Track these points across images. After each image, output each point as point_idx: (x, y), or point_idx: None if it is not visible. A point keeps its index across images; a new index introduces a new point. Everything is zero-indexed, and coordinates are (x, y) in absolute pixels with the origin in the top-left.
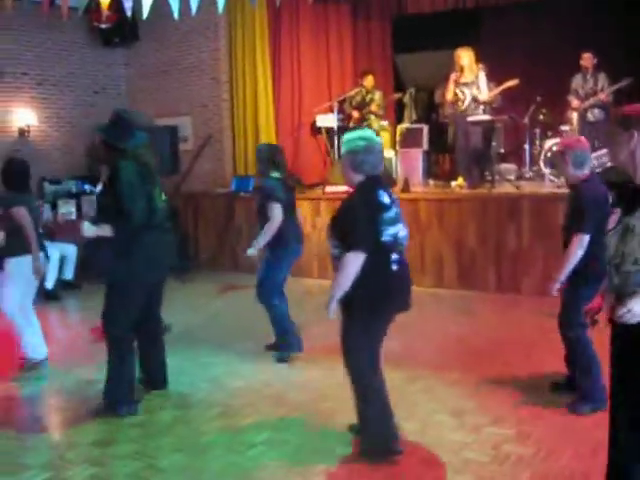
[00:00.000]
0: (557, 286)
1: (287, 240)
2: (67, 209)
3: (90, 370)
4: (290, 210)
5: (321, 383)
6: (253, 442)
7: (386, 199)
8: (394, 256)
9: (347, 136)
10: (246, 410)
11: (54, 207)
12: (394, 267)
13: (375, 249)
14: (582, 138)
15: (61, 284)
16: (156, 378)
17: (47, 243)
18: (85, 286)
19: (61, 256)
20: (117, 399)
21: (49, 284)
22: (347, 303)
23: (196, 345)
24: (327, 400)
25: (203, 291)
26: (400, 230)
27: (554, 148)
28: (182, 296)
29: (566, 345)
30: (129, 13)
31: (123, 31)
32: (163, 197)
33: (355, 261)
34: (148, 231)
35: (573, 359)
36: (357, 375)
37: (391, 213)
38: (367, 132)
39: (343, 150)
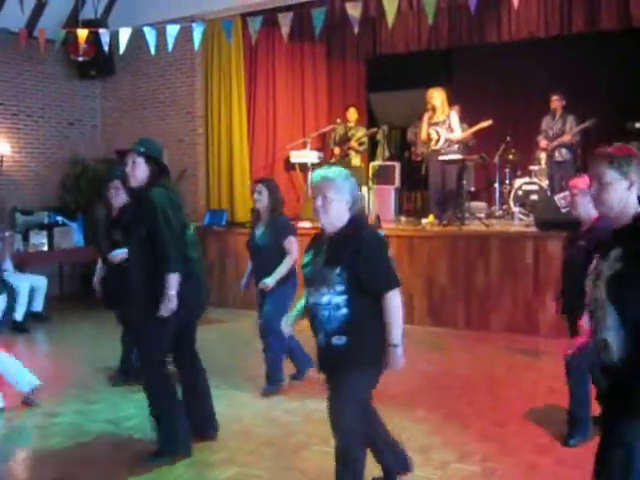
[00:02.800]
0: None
1: (295, 274)
2: (38, 240)
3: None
4: None
5: (290, 417)
6: (221, 478)
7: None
8: None
9: (333, 170)
10: (214, 445)
11: (25, 238)
12: None
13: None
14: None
15: (30, 316)
16: (206, 428)
17: (17, 274)
18: (54, 319)
19: (31, 287)
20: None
21: (18, 316)
22: (357, 353)
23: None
24: (296, 434)
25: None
26: None
27: (524, 187)
28: None
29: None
30: (106, 47)
31: (99, 64)
32: (192, 226)
33: (399, 298)
34: (183, 263)
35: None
36: (352, 444)
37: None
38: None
39: (337, 184)
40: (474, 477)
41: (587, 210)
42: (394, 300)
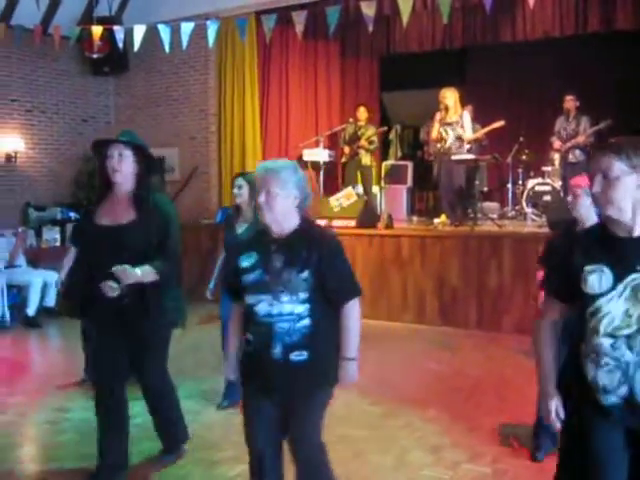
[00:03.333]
0: None
1: None
2: (51, 236)
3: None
4: None
5: None
6: (229, 475)
7: None
8: None
9: (279, 162)
10: (222, 443)
11: (38, 233)
12: None
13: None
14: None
15: (43, 311)
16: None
17: (30, 270)
18: None
19: (44, 283)
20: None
21: (31, 311)
22: (319, 370)
23: (172, 377)
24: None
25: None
26: None
27: (537, 188)
28: None
29: None
30: (121, 44)
31: (113, 61)
32: None
33: (359, 307)
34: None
35: None
36: (317, 468)
37: None
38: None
39: (282, 178)
40: (485, 478)
41: (588, 212)
42: (355, 309)
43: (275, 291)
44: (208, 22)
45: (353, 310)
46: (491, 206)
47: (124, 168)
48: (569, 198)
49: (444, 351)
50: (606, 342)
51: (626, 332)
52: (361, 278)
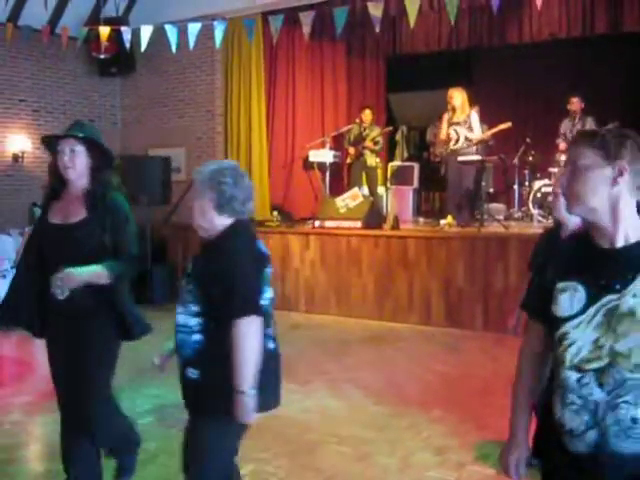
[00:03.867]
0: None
1: None
2: None
3: None
4: None
5: (306, 415)
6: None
7: (265, 249)
8: (269, 330)
9: (200, 168)
10: None
11: None
12: (270, 345)
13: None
14: None
15: None
16: None
17: None
18: None
19: None
20: None
21: None
22: (210, 393)
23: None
24: (312, 432)
25: (165, 326)
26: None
27: (543, 189)
28: (169, 327)
29: None
30: (128, 45)
31: (120, 62)
32: None
33: (255, 330)
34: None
35: None
36: None
37: (269, 269)
38: (231, 162)
39: (204, 183)
40: (490, 479)
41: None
42: (245, 330)
43: (179, 301)
44: (215, 22)
45: (241, 330)
46: (498, 207)
47: (77, 164)
48: (550, 198)
49: (450, 352)
50: (572, 376)
51: (595, 366)
52: (366, 279)
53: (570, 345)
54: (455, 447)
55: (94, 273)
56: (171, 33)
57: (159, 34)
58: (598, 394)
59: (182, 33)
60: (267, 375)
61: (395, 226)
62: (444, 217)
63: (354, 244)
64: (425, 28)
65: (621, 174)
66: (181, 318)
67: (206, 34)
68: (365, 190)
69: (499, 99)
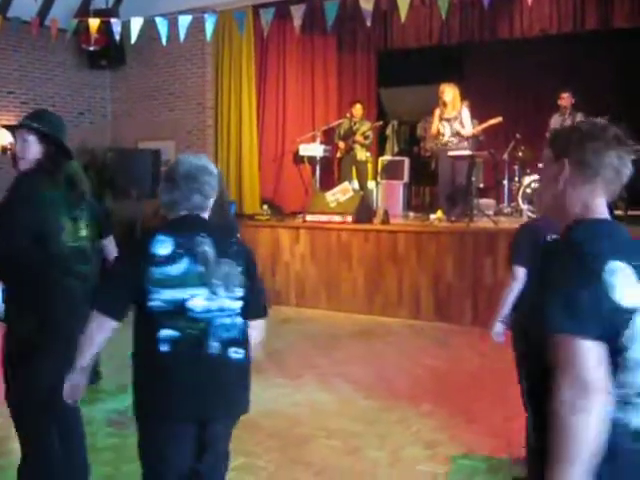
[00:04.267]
0: (496, 326)
1: None
2: None
3: None
4: None
5: (296, 409)
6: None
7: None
8: (166, 332)
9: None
10: None
11: None
12: (163, 347)
13: (137, 317)
14: None
15: None
16: None
17: None
18: None
19: None
20: None
21: None
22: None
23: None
24: (302, 426)
25: None
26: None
27: (533, 185)
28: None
29: None
30: (117, 37)
31: (110, 54)
32: (82, 234)
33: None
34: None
35: None
36: None
37: (173, 269)
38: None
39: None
40: (480, 473)
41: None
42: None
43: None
44: (206, 15)
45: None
46: (487, 202)
47: (28, 155)
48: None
49: (439, 347)
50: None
51: None
52: (357, 273)
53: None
54: (445, 441)
55: None
56: (161, 25)
57: (149, 26)
58: None
59: (172, 26)
60: (153, 382)
61: (385, 220)
62: (434, 212)
63: (344, 238)
64: (416, 23)
65: (562, 168)
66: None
67: (197, 27)
68: (355, 184)
69: (490, 94)
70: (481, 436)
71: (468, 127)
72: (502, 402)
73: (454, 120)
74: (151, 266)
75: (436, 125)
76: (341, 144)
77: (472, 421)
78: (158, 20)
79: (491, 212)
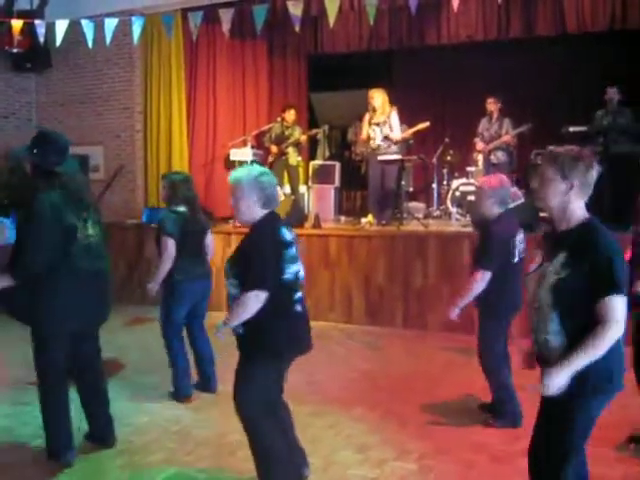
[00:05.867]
0: (455, 312)
1: (176, 278)
2: None
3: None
4: (191, 246)
5: (227, 418)
6: (158, 479)
7: (288, 236)
8: (297, 295)
9: (245, 170)
10: (151, 446)
11: None
12: (298, 308)
13: (277, 288)
14: (504, 177)
15: None
16: (102, 434)
17: None
18: None
19: None
20: (57, 446)
21: None
22: (248, 347)
23: None
24: (233, 434)
25: (109, 324)
26: (300, 269)
27: (461, 188)
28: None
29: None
30: (42, 39)
31: (35, 57)
32: (91, 232)
33: (256, 301)
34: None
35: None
36: (254, 429)
37: (292, 250)
38: (259, 166)
39: (244, 183)
40: (412, 475)
41: (492, 209)
42: (250, 298)
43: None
44: (133, 18)
45: (248, 297)
46: (417, 206)
47: None
48: (475, 196)
49: (371, 350)
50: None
51: (535, 306)
52: None
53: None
54: (377, 444)
55: None
56: (87, 28)
57: (75, 29)
58: (534, 322)
59: (99, 28)
60: (295, 332)
61: (317, 225)
62: (365, 216)
63: None
64: (346, 28)
65: (571, 188)
66: (230, 289)
67: (124, 30)
68: (287, 189)
69: (419, 99)
70: (412, 439)
71: (397, 132)
72: (432, 404)
73: (383, 125)
74: (285, 249)
75: (366, 130)
76: (273, 148)
77: (403, 424)
78: (84, 22)
79: (421, 215)
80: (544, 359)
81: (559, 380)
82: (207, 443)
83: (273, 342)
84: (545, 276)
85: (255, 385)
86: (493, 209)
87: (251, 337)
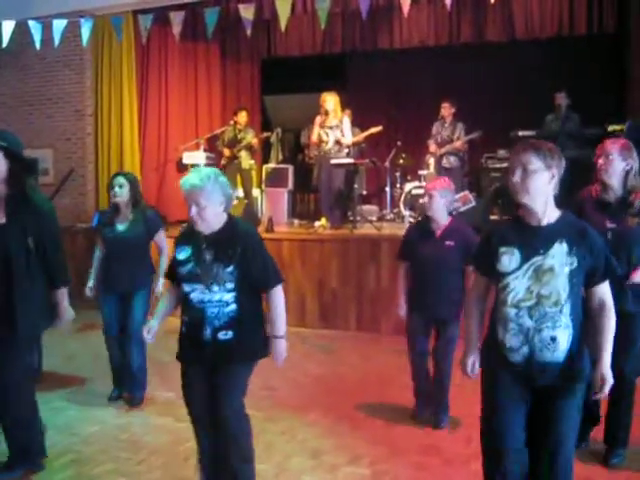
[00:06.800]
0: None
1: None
2: None
3: None
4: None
5: (179, 424)
6: None
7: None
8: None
9: (201, 174)
10: (101, 456)
11: None
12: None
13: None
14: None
15: None
16: None
17: None
18: None
19: None
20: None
21: None
22: (238, 353)
23: (48, 388)
24: (186, 442)
25: (58, 331)
26: None
27: (414, 191)
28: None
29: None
30: None
31: None
32: None
33: (282, 295)
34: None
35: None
36: (242, 438)
37: None
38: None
39: (208, 188)
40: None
41: (442, 212)
42: (278, 294)
43: (205, 282)
44: (82, 19)
45: (276, 295)
46: (370, 209)
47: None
48: (425, 199)
49: (324, 354)
50: (512, 311)
51: (528, 304)
52: None
53: (511, 291)
54: (330, 449)
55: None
56: (35, 29)
57: (23, 30)
58: (529, 322)
59: (47, 30)
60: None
61: (270, 228)
62: (318, 219)
63: None
64: (299, 31)
65: (553, 177)
66: (216, 295)
67: (73, 31)
68: (240, 192)
69: (372, 103)
70: (365, 443)
71: (348, 136)
72: (385, 408)
73: (335, 129)
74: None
75: (317, 133)
76: (226, 151)
77: (356, 428)
78: (31, 23)
79: (374, 218)
80: (537, 362)
81: (609, 371)
82: (159, 451)
83: (264, 344)
84: (546, 270)
85: (241, 393)
86: (445, 210)
87: (242, 342)
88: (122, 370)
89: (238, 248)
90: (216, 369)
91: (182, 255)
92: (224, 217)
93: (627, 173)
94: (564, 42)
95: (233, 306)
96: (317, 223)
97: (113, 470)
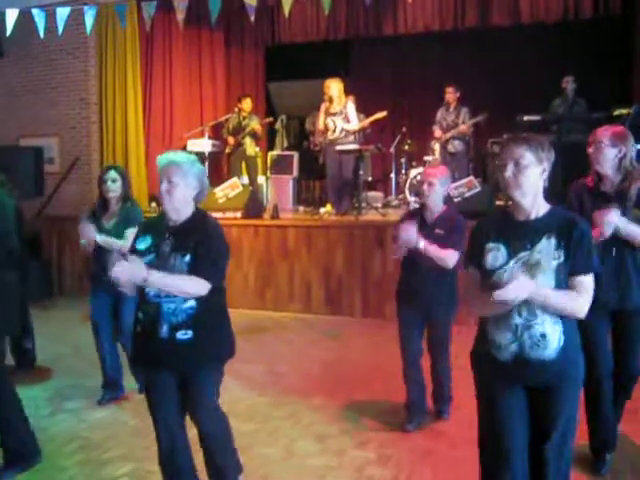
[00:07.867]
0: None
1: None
2: None
3: None
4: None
5: None
6: (116, 475)
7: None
8: None
9: (183, 153)
10: (109, 442)
11: None
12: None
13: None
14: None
15: None
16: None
17: None
18: None
19: None
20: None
21: None
22: (200, 354)
23: (57, 375)
24: (191, 427)
25: (66, 319)
26: None
27: (419, 177)
28: (43, 324)
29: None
30: None
31: None
32: None
33: (203, 289)
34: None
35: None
36: (223, 437)
37: None
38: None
39: (185, 166)
40: (371, 464)
41: (439, 201)
42: (201, 286)
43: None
44: (85, 7)
45: (199, 284)
46: (375, 195)
47: None
48: (424, 186)
49: (330, 340)
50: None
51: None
52: (247, 269)
53: (498, 287)
54: (336, 434)
55: None
56: (38, 18)
57: (27, 18)
58: (517, 319)
59: (50, 18)
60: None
61: (275, 215)
62: (323, 206)
63: (234, 234)
64: (303, 17)
65: (544, 171)
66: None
67: (77, 19)
68: (245, 180)
69: (376, 88)
70: (371, 427)
71: (354, 122)
72: (390, 393)
73: (339, 115)
74: None
75: (322, 120)
76: (230, 139)
77: (362, 412)
78: (35, 12)
79: (379, 205)
80: (527, 360)
81: (525, 286)
82: None
83: (230, 343)
84: (533, 264)
85: (213, 395)
86: (441, 198)
87: (204, 343)
88: (114, 372)
89: (197, 238)
90: (180, 373)
91: (142, 245)
92: (192, 207)
93: (620, 160)
94: (570, 26)
95: (192, 302)
96: (322, 210)
97: (122, 455)
